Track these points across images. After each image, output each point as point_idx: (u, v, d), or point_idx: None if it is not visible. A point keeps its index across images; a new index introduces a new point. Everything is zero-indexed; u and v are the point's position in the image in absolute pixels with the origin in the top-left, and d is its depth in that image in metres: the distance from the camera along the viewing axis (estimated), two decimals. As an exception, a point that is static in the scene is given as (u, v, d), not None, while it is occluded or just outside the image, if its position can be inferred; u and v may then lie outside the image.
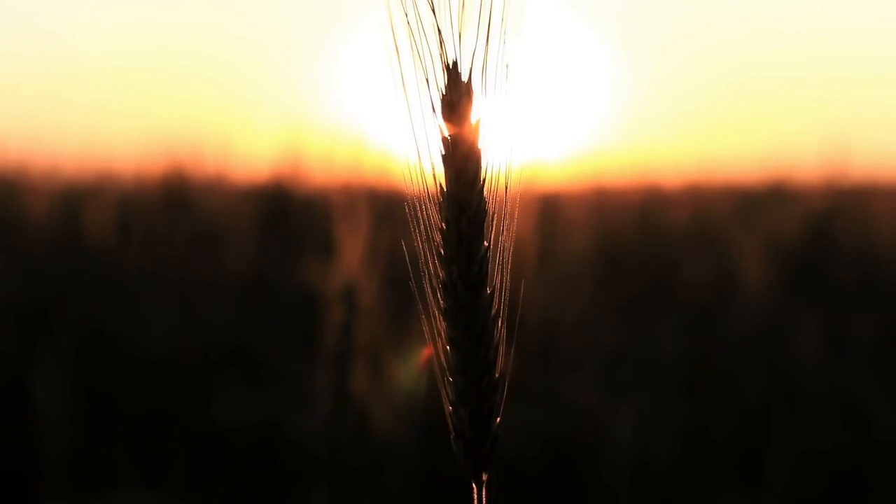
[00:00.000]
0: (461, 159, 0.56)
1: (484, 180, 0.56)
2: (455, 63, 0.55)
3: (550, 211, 3.69)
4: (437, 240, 0.57)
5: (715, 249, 3.41)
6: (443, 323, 0.57)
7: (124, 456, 2.57)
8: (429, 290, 0.57)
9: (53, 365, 2.71)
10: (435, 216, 0.56)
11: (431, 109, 0.55)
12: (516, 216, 0.57)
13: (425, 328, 0.57)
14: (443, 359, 0.58)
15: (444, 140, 0.56)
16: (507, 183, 0.56)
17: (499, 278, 0.57)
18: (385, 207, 2.90)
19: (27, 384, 2.69)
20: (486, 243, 0.57)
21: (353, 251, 1.44)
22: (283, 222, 3.60)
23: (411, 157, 0.55)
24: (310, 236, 3.31)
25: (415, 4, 0.53)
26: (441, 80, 0.55)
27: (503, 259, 0.57)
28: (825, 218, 3.64)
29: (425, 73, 0.55)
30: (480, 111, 0.56)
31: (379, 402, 2.30)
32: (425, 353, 0.56)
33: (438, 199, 0.56)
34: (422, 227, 0.56)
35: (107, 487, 2.52)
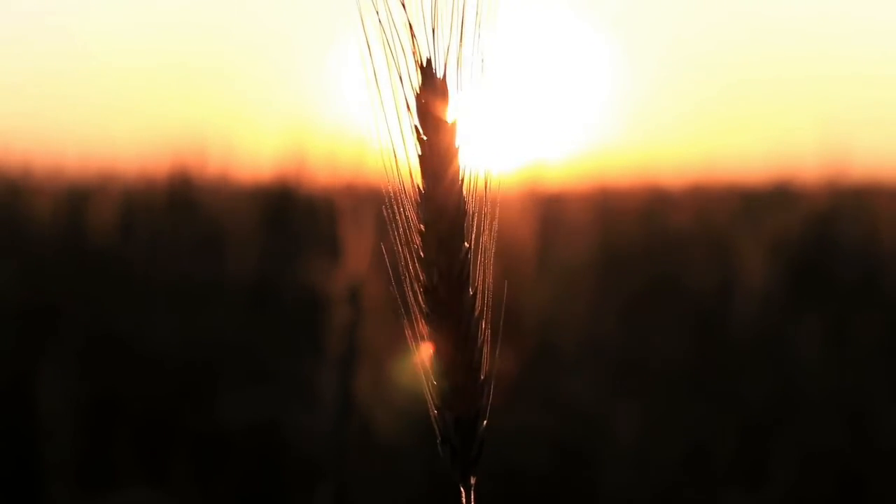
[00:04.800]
0: (438, 159, 0.55)
1: (462, 180, 0.56)
2: (430, 61, 0.55)
3: (552, 211, 3.68)
4: (417, 242, 0.56)
5: (718, 250, 3.40)
6: (425, 326, 0.57)
7: (128, 456, 2.57)
8: (410, 293, 0.56)
9: (57, 364, 2.71)
10: (414, 218, 0.56)
11: (406, 108, 0.55)
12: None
13: (408, 332, 0.57)
14: (427, 362, 0.58)
15: (421, 140, 0.55)
16: (486, 182, 0.55)
17: (481, 279, 0.57)
18: (388, 207, 2.89)
19: (31, 384, 2.69)
20: (466, 244, 0.56)
21: (356, 251, 1.44)
22: (287, 222, 3.60)
23: (388, 159, 0.55)
24: (314, 236, 3.31)
25: (386, 1, 0.52)
26: (415, 78, 0.55)
27: (486, 260, 0.57)
28: (828, 218, 3.63)
29: (399, 71, 0.54)
30: (458, 110, 0.55)
31: (382, 402, 2.30)
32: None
33: (417, 201, 0.56)
34: (401, 229, 0.56)
35: (110, 487, 2.52)
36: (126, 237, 3.48)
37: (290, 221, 3.61)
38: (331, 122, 3.83)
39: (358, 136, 3.56)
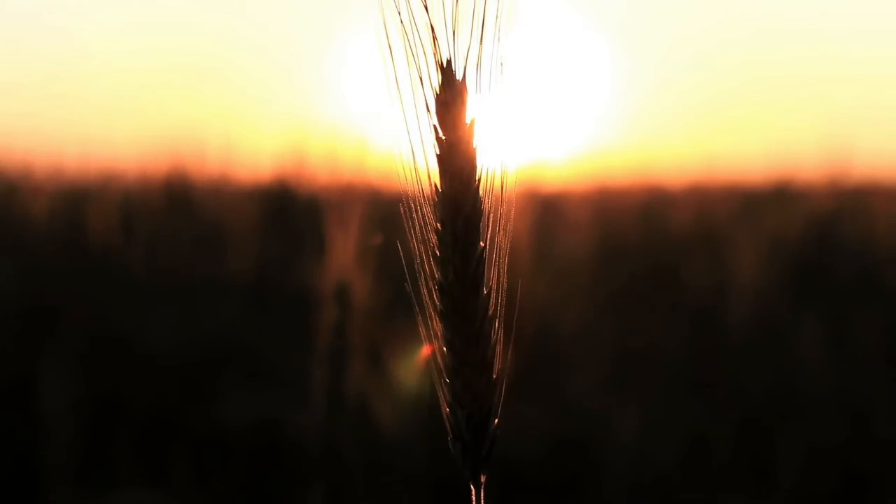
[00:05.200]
0: (456, 159, 0.55)
1: (479, 180, 0.56)
2: (449, 62, 0.55)
3: (553, 211, 3.69)
4: (433, 241, 0.56)
5: (718, 250, 3.40)
6: (439, 324, 0.57)
7: (128, 455, 2.57)
8: (425, 291, 0.57)
9: (57, 364, 2.71)
10: (430, 217, 0.56)
11: (426, 109, 0.55)
12: (513, 216, 0.56)
13: (422, 330, 0.57)
14: (440, 360, 0.58)
15: (439, 140, 0.55)
16: (502, 182, 0.56)
17: (495, 279, 0.57)
18: (388, 207, 2.90)
19: (31, 383, 2.69)
20: (482, 244, 0.57)
21: (355, 251, 1.45)
22: (287, 222, 3.60)
23: (406, 158, 0.55)
24: (313, 236, 3.31)
25: (408, 3, 0.53)
26: (435, 79, 0.55)
27: (500, 259, 0.57)
28: (829, 218, 3.63)
29: (419, 72, 0.54)
30: (476, 110, 0.56)
31: (381, 401, 2.30)
32: (425, 352, 0.55)
33: (434, 200, 0.56)
34: (417, 227, 0.56)
35: (111, 487, 2.52)
36: (126, 237, 3.48)
37: (289, 221, 3.61)
38: (331, 122, 3.83)
39: (358, 136, 3.56)
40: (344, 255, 1.46)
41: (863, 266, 3.41)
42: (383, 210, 2.68)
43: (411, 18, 0.53)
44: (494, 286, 0.57)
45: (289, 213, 3.67)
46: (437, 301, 0.57)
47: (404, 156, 0.55)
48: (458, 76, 0.55)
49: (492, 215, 0.56)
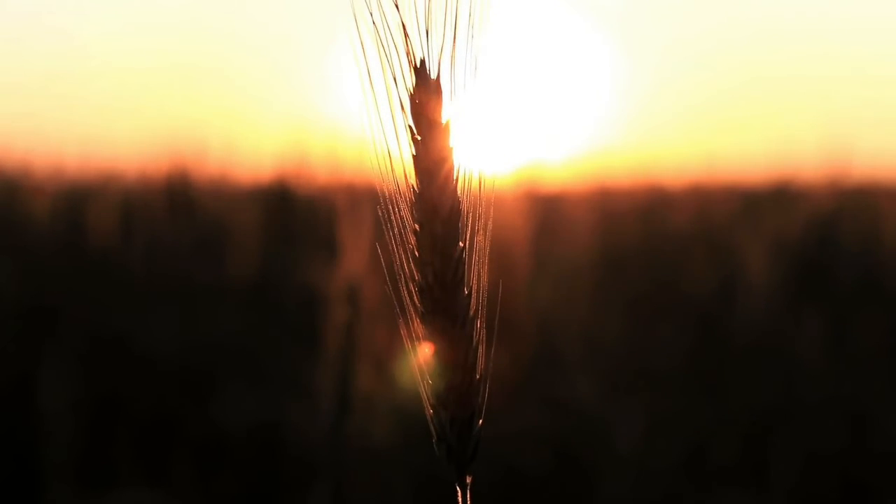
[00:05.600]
0: (432, 159, 0.55)
1: (457, 180, 0.56)
2: (423, 61, 0.55)
3: (552, 212, 3.69)
4: (412, 242, 0.56)
5: (718, 250, 3.40)
6: (421, 326, 0.57)
7: (128, 456, 2.57)
8: (405, 292, 0.57)
9: (57, 364, 2.71)
10: (409, 218, 0.56)
11: (401, 109, 0.55)
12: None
13: (404, 332, 0.57)
14: (423, 362, 0.58)
15: (415, 140, 0.55)
16: (481, 181, 0.56)
17: (476, 279, 0.57)
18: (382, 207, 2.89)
19: (31, 384, 2.69)
20: (461, 244, 0.57)
21: (355, 251, 1.44)
22: (287, 222, 3.60)
23: (383, 158, 0.55)
24: (313, 237, 3.31)
25: (380, 3, 0.52)
26: (410, 78, 0.55)
27: (480, 260, 0.57)
28: (829, 218, 3.63)
29: (393, 72, 0.54)
30: (452, 110, 0.55)
31: (380, 401, 2.30)
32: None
33: (411, 201, 0.56)
34: (396, 229, 0.56)
35: (110, 487, 2.52)
36: (126, 237, 3.48)
37: (289, 222, 3.61)
38: (330, 121, 3.83)
39: (358, 136, 3.56)
40: (344, 256, 1.46)
41: (864, 266, 3.40)
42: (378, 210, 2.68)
43: (383, 18, 0.53)
44: (476, 287, 0.57)
45: (289, 214, 3.67)
46: (417, 302, 0.57)
47: (381, 157, 0.55)
48: (433, 75, 0.55)
49: (471, 215, 0.56)
